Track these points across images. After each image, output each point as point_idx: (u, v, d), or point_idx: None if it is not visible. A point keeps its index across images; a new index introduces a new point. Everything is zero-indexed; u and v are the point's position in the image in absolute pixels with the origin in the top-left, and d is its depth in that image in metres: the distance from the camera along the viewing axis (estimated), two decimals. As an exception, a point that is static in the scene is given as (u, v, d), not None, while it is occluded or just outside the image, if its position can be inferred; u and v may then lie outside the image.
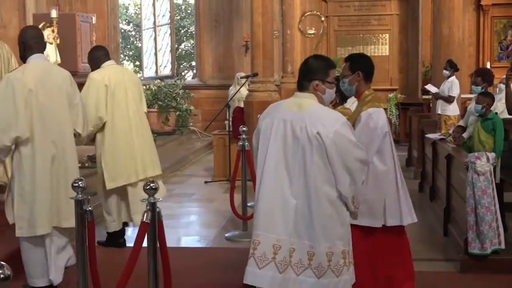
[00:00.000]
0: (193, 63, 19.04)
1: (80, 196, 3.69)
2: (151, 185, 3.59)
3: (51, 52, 10.72)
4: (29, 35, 4.85)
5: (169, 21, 14.30)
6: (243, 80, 10.27)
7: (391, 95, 13.20)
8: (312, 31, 5.23)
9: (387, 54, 13.74)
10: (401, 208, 4.13)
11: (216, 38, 14.12)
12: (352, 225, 3.72)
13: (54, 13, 10.65)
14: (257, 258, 3.49)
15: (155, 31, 14.53)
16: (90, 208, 3.72)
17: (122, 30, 21.31)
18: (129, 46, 23.63)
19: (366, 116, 4.08)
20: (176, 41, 17.61)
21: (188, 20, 22.37)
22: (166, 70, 14.58)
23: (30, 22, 12.43)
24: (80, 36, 11.27)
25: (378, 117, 4.08)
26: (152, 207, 3.61)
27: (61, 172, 4.55)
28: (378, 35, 13.73)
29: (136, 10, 22.74)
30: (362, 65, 4.22)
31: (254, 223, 3.58)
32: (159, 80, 12.90)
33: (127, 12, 23.64)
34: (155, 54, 14.60)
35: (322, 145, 3.41)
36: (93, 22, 12.05)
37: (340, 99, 5.41)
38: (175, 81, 12.96)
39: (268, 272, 3.45)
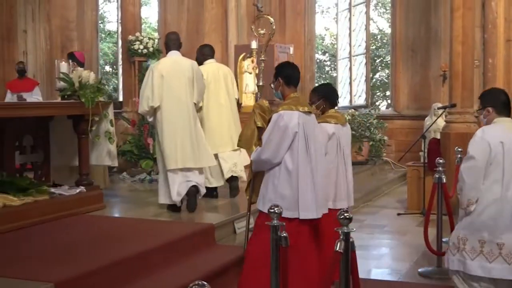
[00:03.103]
0: (388, 93, 18.82)
1: (275, 222, 3.74)
2: (345, 214, 3.56)
3: (250, 81, 11.16)
4: (168, 38, 7.15)
5: (365, 50, 14.30)
6: (440, 111, 9.95)
7: None
8: (263, 31, 5.95)
9: None
10: (308, 203, 4.58)
11: (413, 68, 13.85)
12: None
13: (254, 44, 11.06)
14: (485, 254, 4.37)
15: (350, 60, 14.60)
16: (285, 235, 3.76)
17: (318, 60, 21.67)
18: (324, 76, 23.96)
19: (276, 117, 4.69)
20: (371, 70, 17.53)
21: (383, 49, 22.23)
22: (360, 100, 14.56)
23: (231, 52, 13.06)
24: (278, 66, 11.61)
25: (289, 118, 4.62)
26: (346, 237, 3.57)
27: (180, 123, 6.72)
28: None
29: (332, 40, 23.04)
30: (282, 72, 4.92)
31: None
32: (353, 110, 12.90)
33: (323, 42, 24.03)
34: (350, 83, 14.64)
35: None
36: (291, 53, 12.39)
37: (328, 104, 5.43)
38: (369, 111, 12.88)
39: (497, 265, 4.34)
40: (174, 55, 7.04)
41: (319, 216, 4.69)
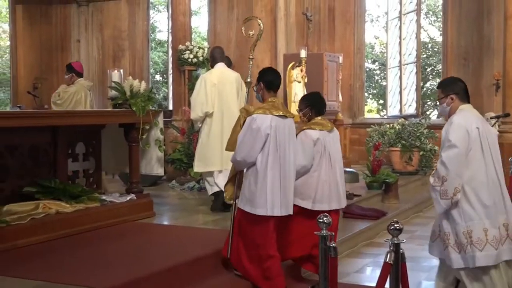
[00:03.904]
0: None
1: (324, 232, 3.72)
2: (395, 225, 3.51)
3: (299, 90, 11.13)
4: (215, 51, 7.96)
5: (415, 59, 14.11)
6: (493, 120, 9.76)
7: None
8: (252, 32, 6.04)
9: None
10: (273, 200, 4.91)
11: (464, 76, 13.50)
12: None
13: (303, 53, 11.05)
14: (490, 241, 4.36)
15: (400, 69, 14.44)
16: (334, 245, 3.73)
17: (367, 69, 21.52)
18: (373, 85, 23.77)
19: (250, 120, 5.03)
20: (422, 79, 17.32)
21: (434, 58, 21.93)
22: (410, 109, 14.37)
23: (280, 62, 13.06)
24: (327, 75, 11.55)
25: (262, 121, 4.96)
26: (396, 248, 3.52)
27: (226, 129, 6.79)
28: None
29: (382, 49, 22.86)
30: (263, 78, 5.22)
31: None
32: (403, 119, 12.74)
33: (372, 51, 23.85)
34: (400, 92, 14.47)
35: None
36: (340, 62, 12.30)
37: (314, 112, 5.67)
38: (420, 120, 12.70)
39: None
40: (221, 66, 7.71)
41: (283, 214, 5.01)
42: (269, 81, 5.22)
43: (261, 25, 6.35)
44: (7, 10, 17.97)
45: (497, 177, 4.49)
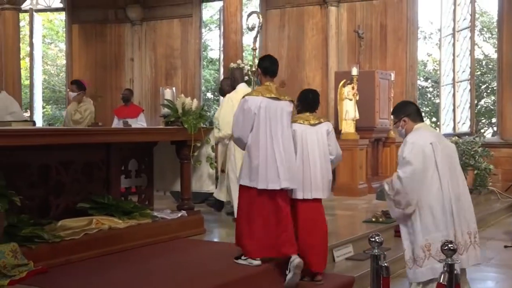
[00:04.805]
0: (494, 120, 18.22)
1: (376, 251, 3.67)
2: (449, 245, 3.44)
3: (350, 108, 11.07)
4: (236, 72, 8.34)
5: (469, 76, 13.89)
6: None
7: None
8: (251, 24, 6.40)
9: None
10: (267, 174, 5.37)
11: (520, 94, 13.33)
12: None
13: (354, 71, 11.00)
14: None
15: (454, 87, 14.21)
16: (385, 264, 3.68)
17: (420, 87, 21.28)
18: (426, 103, 23.48)
19: (242, 101, 5.60)
20: (476, 97, 17.03)
21: (489, 75, 21.54)
22: (464, 127, 14.13)
23: (331, 79, 13.05)
24: (379, 92, 11.47)
25: (252, 102, 5.49)
26: (450, 269, 3.45)
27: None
28: None
29: (435, 66, 22.59)
30: (261, 64, 5.78)
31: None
32: (456, 137, 12.52)
33: (425, 68, 23.59)
34: (453, 110, 14.24)
35: None
36: (392, 79, 12.21)
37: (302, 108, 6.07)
38: (474, 139, 12.47)
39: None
40: (244, 87, 8.07)
41: (269, 188, 5.40)
42: (265, 67, 5.72)
43: (260, 18, 6.60)
44: (64, 29, 18.45)
45: (452, 190, 4.73)
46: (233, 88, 8.24)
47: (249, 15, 7.15)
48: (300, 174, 5.67)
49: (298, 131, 5.77)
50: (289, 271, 5.20)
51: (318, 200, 5.77)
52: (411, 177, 4.66)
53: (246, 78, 10.76)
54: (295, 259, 5.22)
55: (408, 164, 4.68)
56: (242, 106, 5.55)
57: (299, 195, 5.66)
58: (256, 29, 6.62)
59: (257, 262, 5.45)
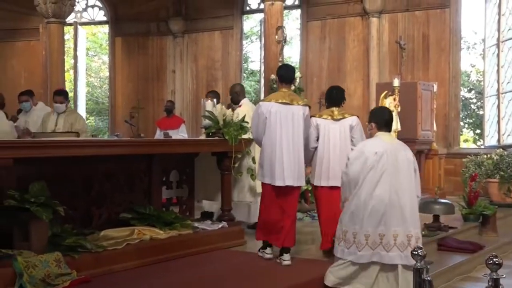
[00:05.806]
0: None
1: (419, 264, 3.62)
2: (494, 259, 3.37)
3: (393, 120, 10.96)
4: (239, 88, 8.46)
5: (514, 88, 13.65)
6: None
7: None
8: (277, 37, 7.05)
9: None
10: (274, 172, 5.95)
11: None
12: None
13: (396, 82, 10.91)
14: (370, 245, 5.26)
15: (498, 98, 13.98)
16: (429, 278, 3.62)
17: (463, 98, 20.97)
18: (469, 114, 23.13)
19: (257, 106, 6.26)
20: (521, 108, 16.67)
21: (534, 86, 21.15)
22: (509, 139, 13.86)
23: (373, 91, 12.95)
24: (421, 104, 11.34)
25: (264, 107, 6.06)
26: (495, 284, 3.37)
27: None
28: None
29: (478, 77, 22.26)
30: (277, 72, 6.35)
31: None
32: (501, 149, 12.30)
33: (468, 79, 23.26)
34: (498, 122, 14.00)
35: None
36: (434, 90, 12.06)
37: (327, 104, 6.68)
38: (519, 151, 12.23)
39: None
40: (247, 101, 8.35)
41: (280, 184, 5.97)
42: (280, 75, 6.27)
43: (285, 31, 8.13)
44: (107, 42, 18.73)
45: (390, 195, 5.23)
46: (235, 103, 8.31)
47: (277, 29, 7.58)
48: (320, 164, 6.33)
49: (321, 125, 6.39)
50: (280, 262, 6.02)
51: (334, 188, 6.23)
52: (347, 178, 5.42)
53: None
54: (285, 261, 5.97)
55: (350, 165, 5.40)
56: (257, 110, 6.18)
57: (317, 183, 6.39)
58: (281, 43, 7.24)
59: (268, 255, 6.19)
